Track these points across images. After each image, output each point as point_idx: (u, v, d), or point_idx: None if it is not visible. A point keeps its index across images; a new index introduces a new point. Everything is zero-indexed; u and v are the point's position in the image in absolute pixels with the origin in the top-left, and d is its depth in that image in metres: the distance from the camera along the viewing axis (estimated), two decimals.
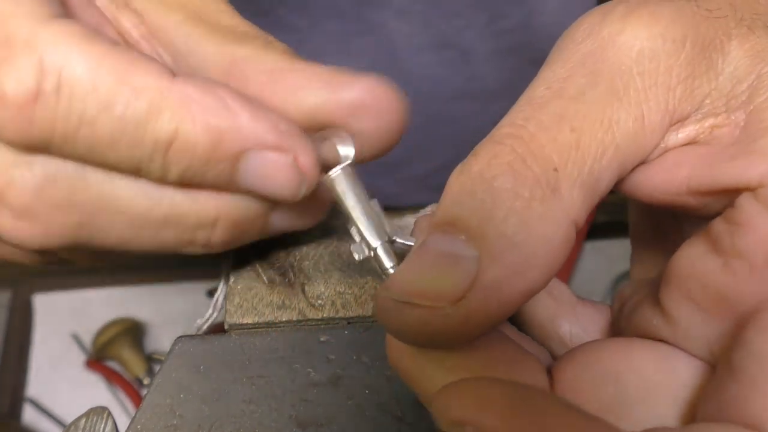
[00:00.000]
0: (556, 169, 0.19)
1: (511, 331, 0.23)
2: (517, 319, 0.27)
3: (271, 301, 0.29)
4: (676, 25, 0.20)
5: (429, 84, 0.63)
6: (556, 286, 0.27)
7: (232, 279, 0.30)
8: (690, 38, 0.20)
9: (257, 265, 0.30)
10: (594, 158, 0.19)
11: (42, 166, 0.23)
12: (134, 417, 0.27)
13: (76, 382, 1.04)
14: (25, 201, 0.23)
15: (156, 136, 0.22)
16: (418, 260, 0.19)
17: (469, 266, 0.18)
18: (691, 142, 0.21)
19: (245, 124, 0.22)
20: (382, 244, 0.24)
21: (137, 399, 1.01)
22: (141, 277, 1.11)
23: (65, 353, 1.06)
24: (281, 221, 0.27)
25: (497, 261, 0.18)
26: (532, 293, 0.19)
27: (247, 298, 0.29)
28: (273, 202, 0.25)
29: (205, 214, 0.25)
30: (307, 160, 0.23)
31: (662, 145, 0.21)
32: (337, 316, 0.29)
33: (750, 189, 0.19)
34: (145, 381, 1.03)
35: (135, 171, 0.23)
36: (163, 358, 0.28)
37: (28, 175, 0.23)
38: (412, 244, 0.24)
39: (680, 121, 0.20)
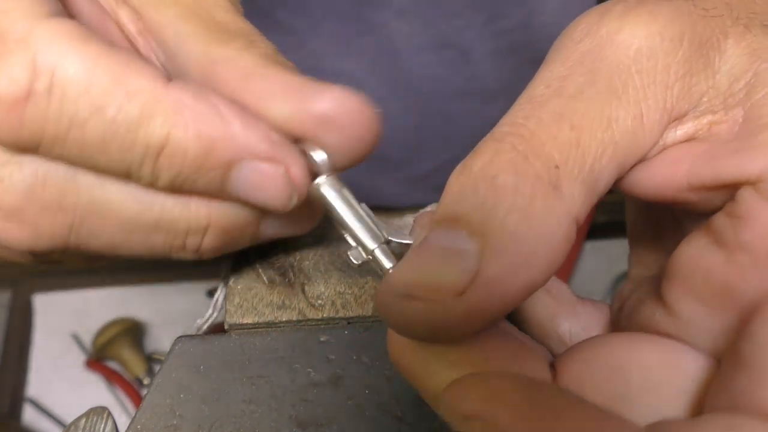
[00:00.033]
0: (557, 167, 0.19)
1: (510, 329, 0.23)
2: (516, 318, 0.27)
3: (271, 301, 0.29)
4: (674, 23, 0.20)
5: (429, 84, 0.63)
6: (556, 285, 0.27)
7: (232, 279, 0.30)
8: (687, 36, 0.20)
9: (257, 265, 0.30)
10: (594, 156, 0.19)
11: (32, 167, 0.23)
12: (134, 417, 0.27)
13: (76, 382, 1.04)
14: (14, 202, 0.23)
15: (147, 141, 0.22)
16: (420, 255, 0.19)
17: (470, 261, 0.18)
18: (689, 139, 0.21)
19: (237, 133, 0.22)
20: (379, 246, 0.24)
21: (137, 399, 1.02)
22: (141, 277, 1.11)
23: (65, 353, 1.06)
24: (272, 229, 0.27)
25: (499, 256, 0.18)
26: (533, 289, 0.19)
27: (247, 298, 0.29)
28: (264, 211, 0.25)
29: (195, 221, 0.25)
30: (298, 171, 0.23)
31: (661, 143, 0.21)
32: (337, 316, 0.29)
33: (750, 183, 0.19)
34: (145, 381, 1.03)
35: (125, 175, 0.23)
36: (163, 358, 0.28)
37: (18, 175, 0.23)
38: (409, 242, 0.24)
39: (678, 118, 0.20)
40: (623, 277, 0.98)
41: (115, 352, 1.04)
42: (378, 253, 0.24)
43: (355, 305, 0.29)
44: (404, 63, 0.61)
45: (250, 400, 0.27)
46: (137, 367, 1.04)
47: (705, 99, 0.20)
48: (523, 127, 0.19)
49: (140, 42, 0.26)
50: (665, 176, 0.21)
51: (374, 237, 0.24)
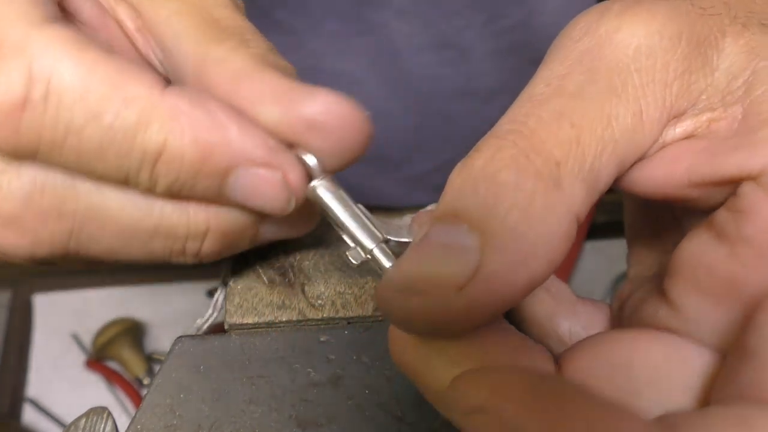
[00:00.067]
0: (557, 164, 0.19)
1: (509, 328, 0.23)
2: (515, 318, 0.27)
3: (271, 301, 0.29)
4: (672, 22, 0.20)
5: (429, 84, 0.63)
6: (555, 284, 0.27)
7: (231, 279, 0.30)
8: (685, 35, 0.20)
9: (257, 266, 0.30)
10: (594, 154, 0.19)
11: (30, 175, 0.23)
12: (134, 417, 0.27)
13: (76, 382, 1.04)
14: (13, 210, 0.23)
15: (144, 148, 0.22)
16: (420, 250, 0.19)
17: (471, 255, 0.18)
18: (688, 137, 0.21)
19: (234, 140, 0.22)
20: (378, 245, 0.24)
21: (137, 399, 1.02)
22: (141, 277, 1.11)
23: (65, 353, 1.06)
24: (271, 231, 0.27)
25: (500, 251, 0.18)
26: (533, 285, 0.19)
27: (247, 298, 0.29)
28: (263, 215, 0.25)
29: (195, 226, 0.25)
30: (295, 176, 0.23)
31: (660, 141, 0.21)
32: (337, 316, 0.29)
33: (752, 178, 0.19)
34: (145, 381, 1.03)
35: (123, 181, 0.23)
36: (163, 358, 0.28)
37: (16, 183, 0.23)
38: (408, 241, 0.24)
39: (677, 116, 0.21)
40: (623, 277, 0.98)
41: (115, 352, 1.04)
42: (377, 252, 0.24)
43: (355, 305, 0.29)
44: (404, 63, 0.61)
45: (250, 400, 0.27)
46: (137, 367, 1.04)
47: (704, 97, 0.20)
48: (524, 125, 0.19)
49: (139, 40, 0.26)
50: (665, 173, 0.21)
51: (372, 236, 0.24)
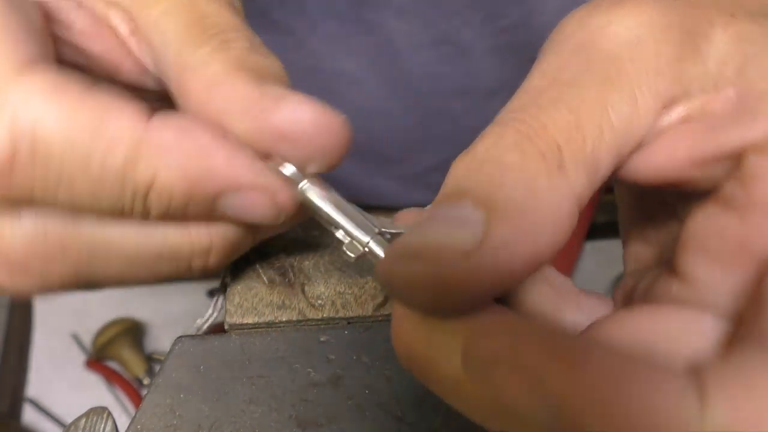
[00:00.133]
0: (559, 147, 0.19)
1: None
2: (519, 311, 0.26)
3: (271, 301, 0.29)
4: (661, 14, 0.21)
5: (428, 82, 0.63)
6: (556, 277, 0.27)
7: (231, 279, 0.30)
8: (675, 26, 0.21)
9: (257, 265, 0.30)
10: (593, 139, 0.20)
11: (31, 220, 0.23)
12: (134, 417, 0.27)
13: (76, 382, 1.04)
14: (18, 256, 0.23)
15: (134, 185, 0.22)
16: (424, 224, 0.19)
17: (476, 227, 0.18)
18: (685, 122, 0.21)
19: (221, 167, 0.22)
20: (374, 237, 0.24)
21: (137, 399, 1.02)
22: None
23: (65, 353, 1.06)
24: (269, 232, 0.28)
25: (505, 222, 0.18)
26: (538, 260, 0.19)
27: (247, 298, 0.29)
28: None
29: (198, 245, 0.25)
30: (284, 196, 0.24)
31: (657, 128, 0.21)
32: (337, 316, 0.29)
33: (755, 148, 0.19)
34: (145, 381, 1.03)
35: (119, 214, 0.23)
36: (163, 358, 0.28)
37: (18, 230, 0.23)
38: (403, 232, 0.24)
39: (672, 103, 0.21)
40: (623, 277, 0.98)
41: (115, 352, 1.04)
42: (373, 244, 0.24)
43: (355, 305, 0.29)
44: (404, 63, 0.61)
45: (250, 400, 0.27)
46: (137, 367, 1.04)
47: (696, 83, 0.21)
48: (524, 113, 0.20)
49: (133, 43, 0.26)
50: (666, 156, 0.21)
51: (367, 229, 0.24)
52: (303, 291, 0.29)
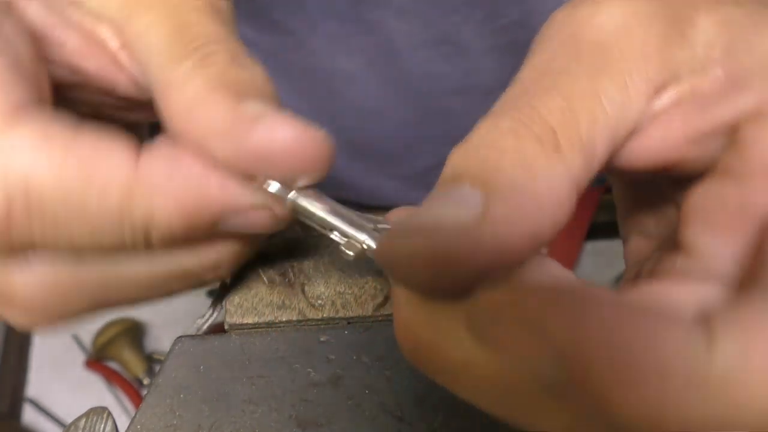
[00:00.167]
0: (554, 131, 0.19)
1: None
2: None
3: (271, 301, 0.29)
4: (646, 3, 0.21)
5: (428, 82, 0.63)
6: (557, 268, 0.27)
7: (231, 279, 0.30)
8: (660, 14, 0.21)
9: (257, 265, 0.30)
10: (587, 123, 0.20)
11: (39, 265, 0.23)
12: (134, 417, 0.27)
13: (76, 382, 1.04)
14: (35, 301, 0.24)
15: (132, 225, 0.22)
16: (423, 206, 0.19)
17: (475, 204, 0.18)
18: (676, 104, 0.22)
19: (216, 194, 0.22)
20: (369, 233, 0.24)
21: (137, 399, 1.02)
22: None
23: (65, 353, 1.06)
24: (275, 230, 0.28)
25: (504, 200, 0.18)
26: (538, 239, 0.19)
27: (247, 298, 0.29)
28: None
29: (207, 261, 0.25)
30: (281, 210, 0.24)
31: (650, 113, 0.21)
32: (337, 316, 0.29)
33: (747, 117, 0.20)
34: (145, 381, 1.03)
35: (122, 251, 0.23)
36: (163, 358, 0.28)
37: (29, 277, 0.23)
38: None
39: (661, 87, 0.21)
40: (623, 277, 0.98)
41: (115, 352, 1.04)
42: (370, 241, 0.24)
43: (355, 305, 0.29)
44: (404, 62, 0.61)
45: (250, 400, 0.27)
46: (137, 367, 1.04)
47: (685, 67, 0.21)
48: (517, 101, 0.20)
49: (124, 58, 0.26)
50: (661, 137, 0.21)
51: (362, 226, 0.24)
52: (303, 291, 0.29)
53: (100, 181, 0.21)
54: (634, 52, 0.21)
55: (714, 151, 0.21)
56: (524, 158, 0.19)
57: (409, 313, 0.19)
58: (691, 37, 0.21)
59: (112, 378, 1.04)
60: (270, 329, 0.29)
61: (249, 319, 0.29)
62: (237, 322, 0.29)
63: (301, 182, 0.23)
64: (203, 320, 0.31)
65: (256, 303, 0.29)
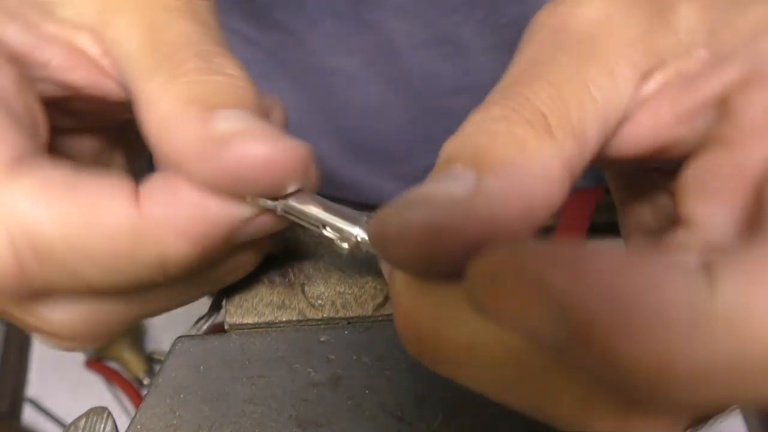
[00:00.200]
0: (544, 116, 0.20)
1: None
2: None
3: (271, 301, 0.29)
4: None
5: (428, 81, 0.63)
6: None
7: None
8: (642, 3, 0.22)
9: (257, 266, 0.30)
10: (577, 109, 0.20)
11: (65, 305, 0.24)
12: (134, 417, 0.27)
13: (76, 382, 1.04)
14: (73, 335, 0.24)
15: (146, 264, 0.22)
16: (417, 186, 0.19)
17: (468, 180, 0.18)
18: (662, 89, 0.22)
19: (219, 215, 0.22)
20: (362, 226, 0.24)
21: (137, 399, 1.02)
22: None
23: (65, 353, 1.06)
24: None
25: (496, 176, 0.18)
26: (531, 217, 0.19)
27: (247, 298, 0.29)
28: None
29: (226, 271, 0.26)
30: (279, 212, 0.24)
31: (639, 99, 0.22)
32: (337, 316, 0.29)
33: (734, 88, 0.20)
34: (145, 381, 1.03)
35: (143, 285, 0.23)
36: (163, 358, 0.28)
37: (59, 315, 0.24)
38: None
39: (649, 73, 0.22)
40: None
41: (115, 352, 1.04)
42: (364, 234, 0.24)
43: (355, 305, 0.29)
44: (404, 61, 0.61)
45: (250, 400, 0.27)
46: (137, 367, 1.04)
47: (669, 53, 0.22)
48: (507, 91, 0.21)
49: (106, 65, 0.25)
50: (651, 119, 0.22)
51: (354, 219, 0.24)
52: (303, 291, 0.29)
53: (106, 227, 0.21)
54: (619, 41, 0.21)
55: (704, 129, 0.21)
56: (516, 140, 0.19)
57: (409, 301, 0.19)
58: (674, 23, 0.22)
59: (112, 378, 1.04)
60: (270, 329, 0.29)
61: (249, 319, 0.29)
62: (237, 322, 0.29)
63: (290, 189, 0.23)
64: (203, 320, 0.31)
65: (256, 303, 0.29)
